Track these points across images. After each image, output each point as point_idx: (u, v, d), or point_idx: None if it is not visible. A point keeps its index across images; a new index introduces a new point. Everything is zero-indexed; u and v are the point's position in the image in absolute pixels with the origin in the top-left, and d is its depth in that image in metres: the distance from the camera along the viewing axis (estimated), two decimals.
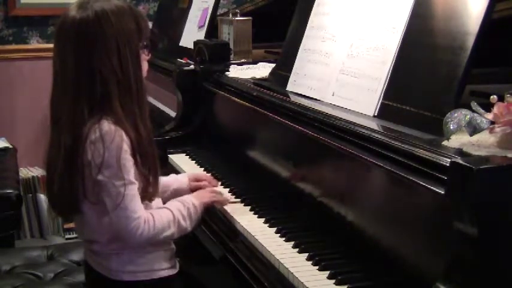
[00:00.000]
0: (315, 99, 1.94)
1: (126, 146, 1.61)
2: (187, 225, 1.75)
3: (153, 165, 1.69)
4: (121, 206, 1.61)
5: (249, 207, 1.90)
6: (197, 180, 2.03)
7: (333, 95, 1.87)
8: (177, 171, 2.33)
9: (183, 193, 1.95)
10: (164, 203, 1.81)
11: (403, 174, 1.37)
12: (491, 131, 1.32)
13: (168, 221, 1.70)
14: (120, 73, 1.63)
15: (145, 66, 1.74)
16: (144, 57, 1.73)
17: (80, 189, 1.64)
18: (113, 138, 1.59)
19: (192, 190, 1.98)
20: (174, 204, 1.77)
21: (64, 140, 1.63)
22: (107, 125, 1.60)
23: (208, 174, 2.15)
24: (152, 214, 1.68)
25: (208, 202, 1.85)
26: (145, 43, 1.72)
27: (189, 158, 2.45)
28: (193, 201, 1.79)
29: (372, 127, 1.57)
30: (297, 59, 2.10)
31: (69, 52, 1.63)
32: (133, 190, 1.63)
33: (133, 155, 1.63)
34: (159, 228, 1.67)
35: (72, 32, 1.63)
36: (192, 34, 3.03)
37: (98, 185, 1.61)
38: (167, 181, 1.98)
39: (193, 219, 1.77)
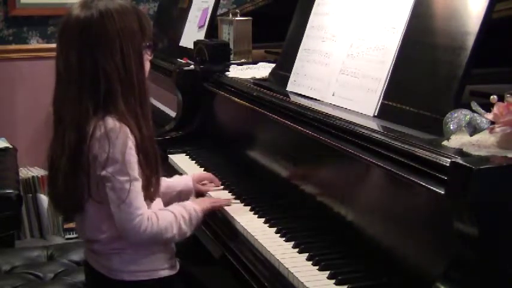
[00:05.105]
0: (315, 99, 1.94)
1: (130, 143, 1.61)
2: (187, 229, 1.75)
3: (155, 165, 1.69)
4: (125, 202, 1.61)
5: (249, 207, 1.90)
6: (201, 180, 2.05)
7: (333, 95, 1.87)
8: (177, 171, 2.33)
9: (189, 194, 1.98)
10: (168, 204, 1.81)
11: (403, 174, 1.37)
12: (491, 131, 1.32)
13: (171, 221, 1.70)
14: (123, 72, 1.63)
15: (147, 66, 1.74)
16: (147, 58, 1.73)
17: (85, 188, 1.64)
18: (117, 135, 1.59)
19: (197, 192, 1.98)
20: (175, 207, 1.77)
21: (68, 139, 1.63)
22: (112, 122, 1.60)
23: (211, 174, 2.15)
24: (155, 213, 1.68)
25: (208, 207, 1.85)
26: (148, 43, 1.72)
27: (189, 158, 2.45)
28: (195, 206, 1.80)
29: (372, 127, 1.57)
30: (297, 59, 2.10)
31: (72, 51, 1.63)
32: (138, 187, 1.63)
33: (137, 153, 1.63)
34: (161, 227, 1.67)
35: (76, 30, 1.63)
36: (192, 34, 3.03)
37: (102, 181, 1.62)
38: (172, 182, 1.98)
39: (194, 224, 1.77)
